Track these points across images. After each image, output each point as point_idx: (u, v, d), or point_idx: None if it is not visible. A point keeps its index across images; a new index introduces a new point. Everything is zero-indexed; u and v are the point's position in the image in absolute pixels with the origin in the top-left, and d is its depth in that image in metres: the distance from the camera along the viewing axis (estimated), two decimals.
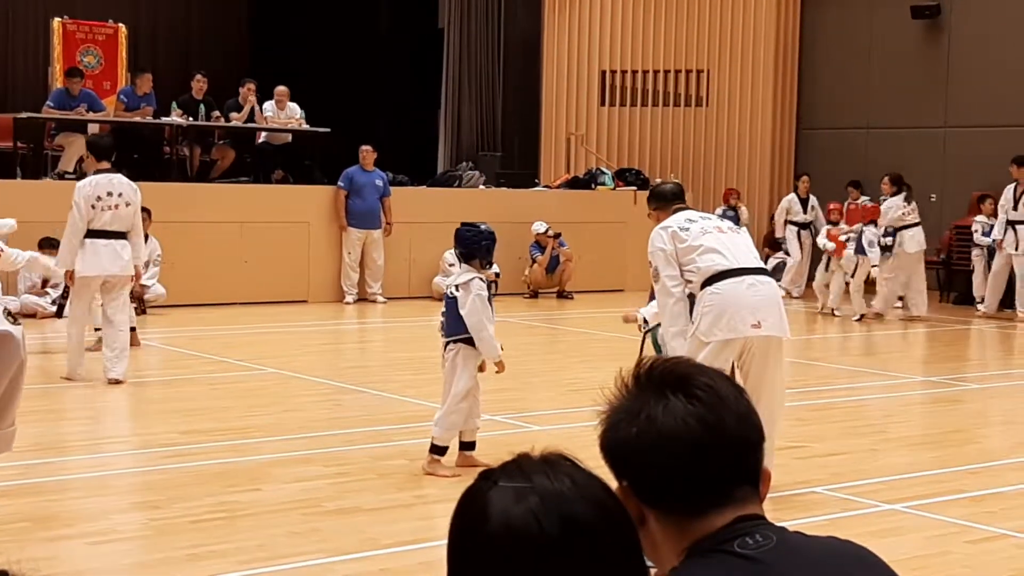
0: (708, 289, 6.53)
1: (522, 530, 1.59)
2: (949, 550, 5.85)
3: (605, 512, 1.64)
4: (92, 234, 9.78)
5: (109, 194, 9.82)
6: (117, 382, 9.69)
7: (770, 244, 19.14)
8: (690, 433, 1.83)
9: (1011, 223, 15.73)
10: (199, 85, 16.09)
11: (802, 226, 18.27)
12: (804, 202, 18.38)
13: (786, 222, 18.34)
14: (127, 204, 9.89)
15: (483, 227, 7.27)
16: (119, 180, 10.00)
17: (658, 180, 19.15)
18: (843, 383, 10.85)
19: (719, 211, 18.88)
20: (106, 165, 10.04)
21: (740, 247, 6.75)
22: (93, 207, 9.75)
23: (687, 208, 7.03)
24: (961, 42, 18.01)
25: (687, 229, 6.71)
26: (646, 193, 20.97)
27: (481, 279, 7.11)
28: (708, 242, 6.65)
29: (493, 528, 1.60)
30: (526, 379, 10.58)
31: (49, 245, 12.95)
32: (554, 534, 1.58)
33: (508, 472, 1.66)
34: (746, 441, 1.88)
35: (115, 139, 15.81)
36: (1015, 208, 15.72)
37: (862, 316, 15.11)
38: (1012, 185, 15.90)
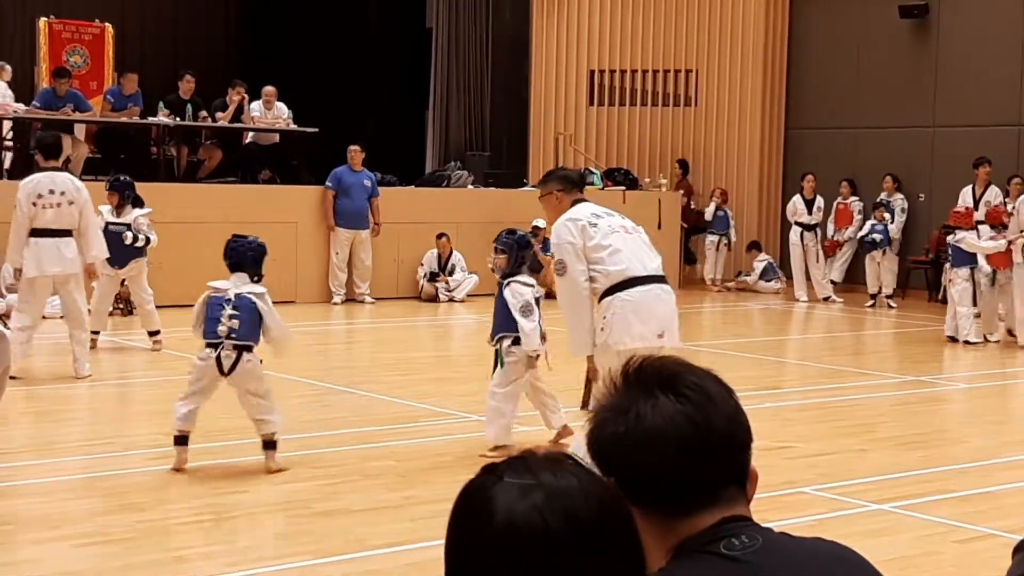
0: (619, 295, 6.46)
1: (526, 526, 1.56)
2: (937, 550, 5.85)
3: (609, 511, 1.62)
4: (36, 233, 9.84)
5: (51, 192, 9.87)
6: (83, 378, 9.88)
7: (755, 246, 19.11)
8: (678, 432, 1.82)
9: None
10: (187, 85, 16.03)
11: (807, 227, 17.65)
12: (809, 203, 17.72)
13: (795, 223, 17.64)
14: (70, 203, 9.93)
15: (251, 239, 7.64)
16: (63, 178, 10.06)
17: (647, 179, 19.21)
18: (830, 383, 10.85)
19: (711, 208, 18.90)
20: (54, 163, 10.12)
21: (645, 251, 6.67)
22: (34, 204, 9.81)
23: (586, 200, 6.90)
24: (950, 41, 18.03)
25: (595, 225, 6.60)
26: (636, 193, 20.56)
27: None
28: (616, 243, 6.56)
29: (497, 524, 1.57)
30: None
31: None
32: (558, 531, 1.56)
33: (513, 468, 1.62)
34: (734, 441, 1.87)
35: (105, 139, 15.95)
36: (976, 209, 15.71)
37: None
38: (970, 187, 15.90)
